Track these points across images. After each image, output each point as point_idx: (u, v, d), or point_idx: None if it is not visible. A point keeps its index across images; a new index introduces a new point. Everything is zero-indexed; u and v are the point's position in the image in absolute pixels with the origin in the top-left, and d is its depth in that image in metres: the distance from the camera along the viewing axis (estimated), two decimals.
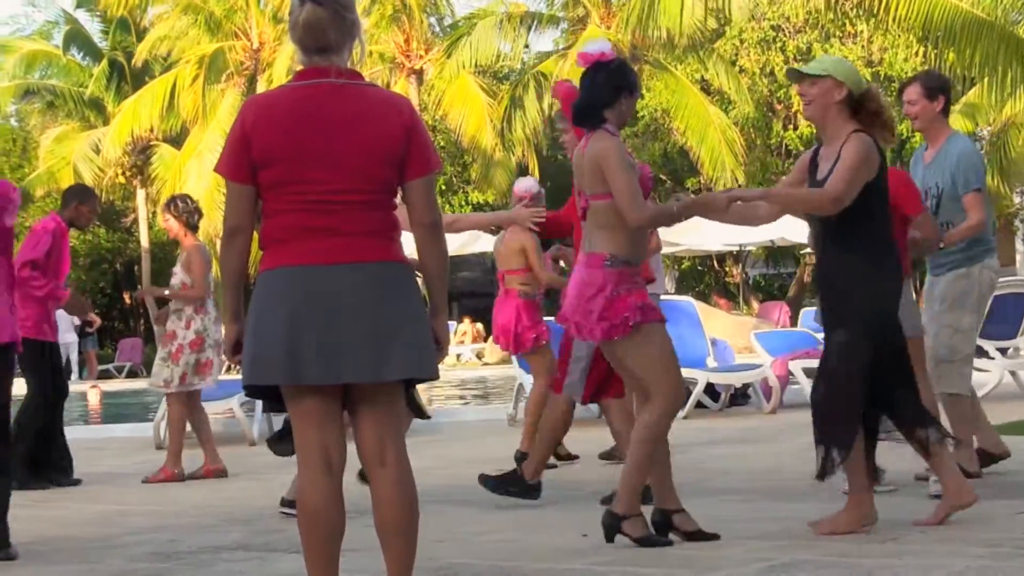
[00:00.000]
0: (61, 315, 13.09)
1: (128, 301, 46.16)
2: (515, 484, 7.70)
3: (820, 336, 9.80)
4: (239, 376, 4.38)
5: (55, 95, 41.92)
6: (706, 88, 34.25)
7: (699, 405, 14.25)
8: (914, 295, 7.42)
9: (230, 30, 36.52)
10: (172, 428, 10.30)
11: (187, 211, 10.30)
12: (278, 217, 4.25)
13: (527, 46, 36.35)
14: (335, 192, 4.20)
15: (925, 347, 7.47)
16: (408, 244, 4.30)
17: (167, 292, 10.48)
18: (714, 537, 6.08)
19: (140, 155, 39.12)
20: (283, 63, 33.00)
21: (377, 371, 4.18)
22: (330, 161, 4.21)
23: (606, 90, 6.13)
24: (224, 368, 11.18)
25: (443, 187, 39.56)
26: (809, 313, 19.57)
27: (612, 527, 5.99)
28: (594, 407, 10.00)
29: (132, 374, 36.34)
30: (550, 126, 32.24)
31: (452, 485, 8.72)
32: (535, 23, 33.98)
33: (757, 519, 6.67)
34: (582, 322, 5.98)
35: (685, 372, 13.45)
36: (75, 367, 32.84)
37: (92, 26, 44.51)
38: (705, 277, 41.05)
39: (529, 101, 32.33)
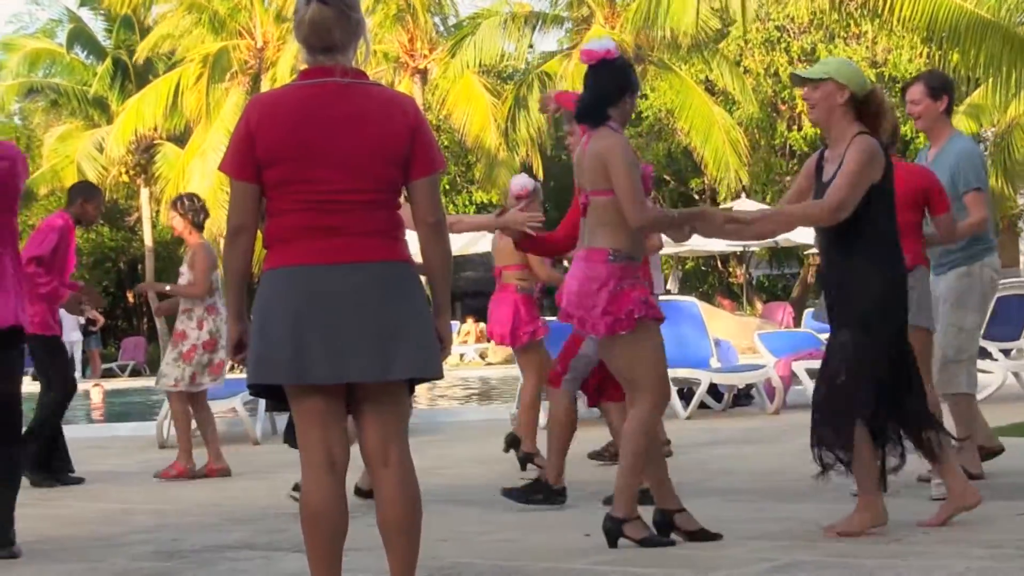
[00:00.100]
0: (66, 315, 13.09)
1: (131, 299, 46.18)
2: (540, 491, 7.56)
3: (823, 337, 9.81)
4: (242, 375, 4.39)
5: (59, 93, 41.93)
6: (710, 88, 34.28)
7: (702, 405, 14.25)
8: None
9: (234, 29, 36.53)
10: (178, 425, 10.32)
11: (193, 210, 10.31)
12: (282, 216, 4.25)
13: (531, 46, 36.41)
14: (339, 191, 4.20)
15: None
16: (411, 244, 4.31)
17: (168, 287, 10.56)
18: (716, 537, 6.08)
19: (144, 154, 39.13)
20: (287, 62, 33.01)
21: (383, 370, 4.18)
22: (334, 160, 4.21)
23: (611, 88, 6.14)
24: (227, 367, 11.19)
25: (447, 187, 39.57)
26: (810, 314, 19.58)
27: (614, 531, 5.99)
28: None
29: (135, 373, 36.37)
30: (555, 126, 32.27)
31: (455, 485, 8.73)
32: (539, 23, 33.99)
33: (759, 519, 6.67)
34: (585, 316, 5.98)
35: (688, 372, 13.70)
36: (78, 366, 32.86)
37: (96, 24, 44.54)
38: (709, 277, 41.07)
39: (533, 101, 32.30)
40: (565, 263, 9.73)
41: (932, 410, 6.78)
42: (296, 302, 4.17)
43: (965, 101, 27.92)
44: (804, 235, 21.46)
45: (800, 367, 14.21)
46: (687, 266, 40.27)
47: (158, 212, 38.39)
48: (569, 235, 6.76)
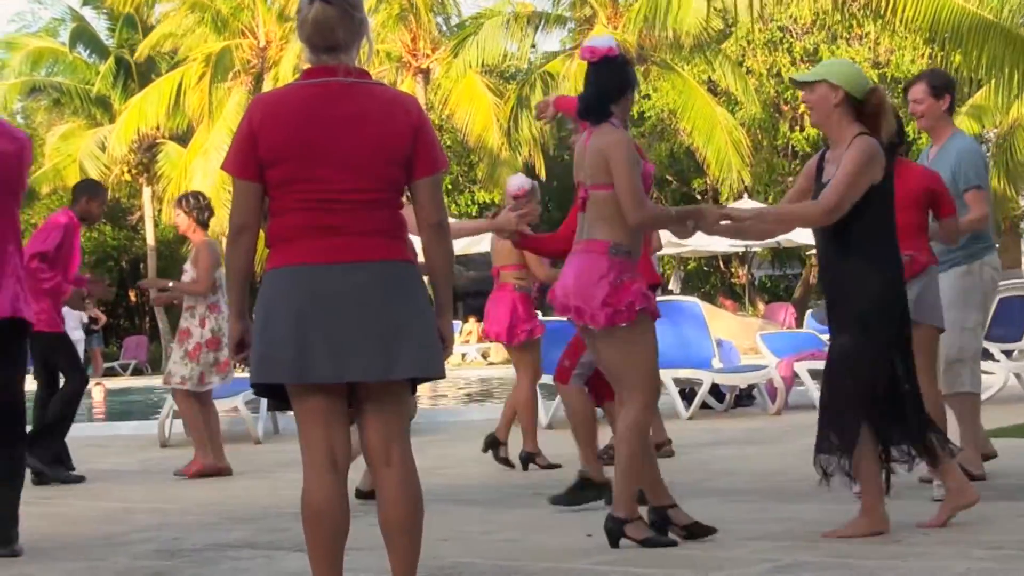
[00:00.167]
0: (69, 312, 13.10)
1: (133, 298, 46.19)
2: (587, 489, 7.39)
3: (825, 337, 9.80)
4: (243, 374, 4.39)
5: (61, 92, 41.95)
6: (713, 89, 34.28)
7: (704, 406, 14.25)
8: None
9: (237, 28, 36.57)
10: (189, 423, 10.35)
11: (198, 208, 10.33)
12: (285, 216, 4.25)
13: (534, 46, 36.41)
14: (342, 191, 4.20)
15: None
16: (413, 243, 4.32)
17: (171, 284, 10.59)
18: (711, 530, 6.08)
19: (146, 153, 39.17)
20: (290, 61, 33.04)
21: (385, 370, 4.18)
22: (337, 160, 4.21)
23: (613, 85, 6.17)
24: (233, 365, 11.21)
25: (449, 186, 39.59)
26: (813, 315, 19.58)
27: (615, 532, 5.98)
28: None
29: (137, 372, 36.40)
30: (557, 126, 32.28)
31: (457, 484, 8.73)
32: (542, 23, 34.01)
33: (761, 520, 6.67)
34: (583, 307, 5.96)
35: (690, 373, 13.69)
36: None
37: (99, 23, 44.57)
38: (711, 278, 41.10)
39: (536, 101, 32.26)
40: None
41: (936, 410, 6.80)
42: (298, 301, 4.17)
43: (967, 102, 27.94)
44: (806, 236, 21.43)
45: (802, 368, 14.20)
46: (689, 266, 40.29)
47: (160, 211, 38.45)
48: (572, 235, 6.76)
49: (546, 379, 12.75)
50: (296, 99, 4.28)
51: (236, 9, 36.60)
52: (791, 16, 33.95)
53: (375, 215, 4.23)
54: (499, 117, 33.45)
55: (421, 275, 4.38)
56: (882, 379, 5.98)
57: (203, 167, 33.42)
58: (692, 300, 15.48)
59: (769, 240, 28.36)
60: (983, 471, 7.64)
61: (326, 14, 4.25)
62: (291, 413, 4.36)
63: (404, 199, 4.36)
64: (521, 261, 9.62)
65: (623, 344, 5.98)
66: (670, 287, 35.22)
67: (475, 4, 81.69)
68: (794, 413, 13.56)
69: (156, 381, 27.59)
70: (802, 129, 34.17)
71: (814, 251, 8.70)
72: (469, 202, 41.01)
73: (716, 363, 14.22)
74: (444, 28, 39.17)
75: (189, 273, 10.31)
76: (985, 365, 12.58)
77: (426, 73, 35.30)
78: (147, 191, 40.64)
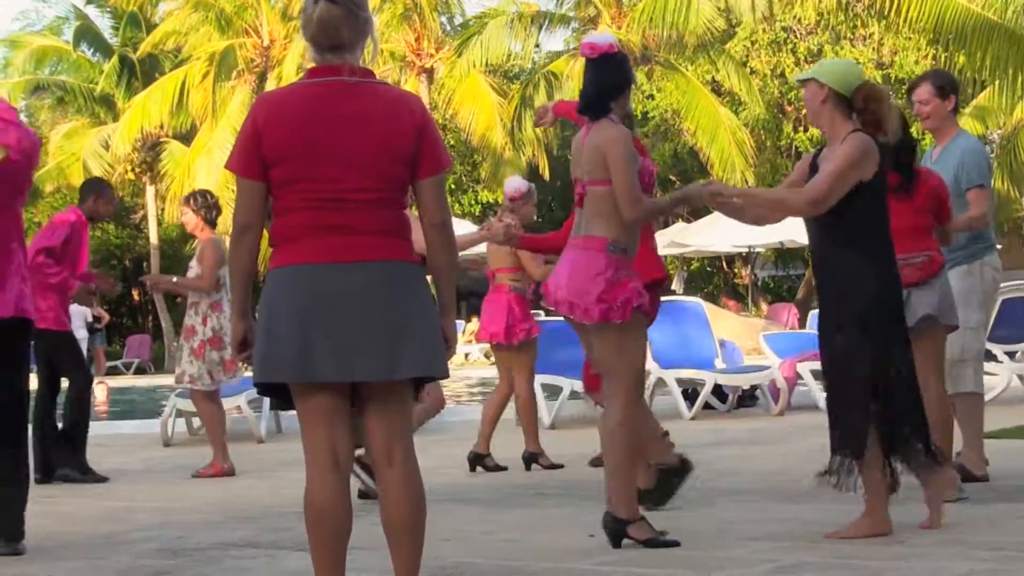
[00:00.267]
0: (74, 311, 13.13)
1: (137, 297, 46.20)
2: (672, 476, 7.25)
3: None
4: (250, 373, 4.39)
5: (65, 91, 41.98)
6: (717, 89, 34.28)
7: (707, 406, 14.25)
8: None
9: (240, 27, 36.58)
10: (208, 425, 10.36)
11: (206, 206, 10.33)
12: (288, 215, 4.25)
13: (538, 45, 36.44)
14: (346, 190, 4.20)
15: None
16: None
17: (175, 280, 10.62)
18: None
19: (150, 152, 39.18)
20: (293, 61, 33.06)
21: (389, 370, 4.18)
22: (341, 159, 4.21)
23: (613, 82, 6.20)
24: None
25: (452, 186, 39.59)
26: (816, 315, 19.56)
27: (617, 532, 5.99)
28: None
29: (140, 370, 36.41)
30: (560, 126, 32.24)
31: (459, 484, 8.73)
32: (546, 23, 34.04)
33: (763, 520, 6.67)
34: (577, 302, 5.97)
35: (693, 373, 13.70)
36: None
37: (102, 22, 44.58)
38: (714, 278, 41.09)
39: (539, 100, 32.29)
40: None
41: (944, 411, 6.82)
42: (302, 301, 4.17)
43: (971, 103, 27.92)
44: None
45: (805, 368, 14.21)
46: (692, 267, 40.27)
47: (164, 210, 38.45)
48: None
49: (546, 379, 12.81)
50: (300, 98, 4.28)
51: (240, 8, 36.62)
52: (795, 16, 33.93)
53: (379, 215, 4.23)
54: (503, 117, 33.47)
55: (425, 274, 4.38)
56: (883, 378, 5.98)
57: (207, 166, 33.43)
58: (695, 300, 15.51)
59: (772, 240, 28.36)
60: (985, 472, 7.64)
61: (331, 13, 4.25)
62: (294, 412, 4.36)
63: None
64: (516, 264, 9.63)
65: (616, 340, 6.00)
66: (673, 287, 35.21)
67: (479, 3, 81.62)
68: (797, 414, 13.56)
69: (159, 380, 27.64)
70: (806, 130, 34.14)
71: None
72: (472, 202, 41.00)
73: (719, 363, 14.23)
74: (448, 28, 39.19)
75: (194, 270, 10.32)
76: (988, 366, 12.60)
77: (430, 73, 35.31)
78: (150, 190, 40.65)
